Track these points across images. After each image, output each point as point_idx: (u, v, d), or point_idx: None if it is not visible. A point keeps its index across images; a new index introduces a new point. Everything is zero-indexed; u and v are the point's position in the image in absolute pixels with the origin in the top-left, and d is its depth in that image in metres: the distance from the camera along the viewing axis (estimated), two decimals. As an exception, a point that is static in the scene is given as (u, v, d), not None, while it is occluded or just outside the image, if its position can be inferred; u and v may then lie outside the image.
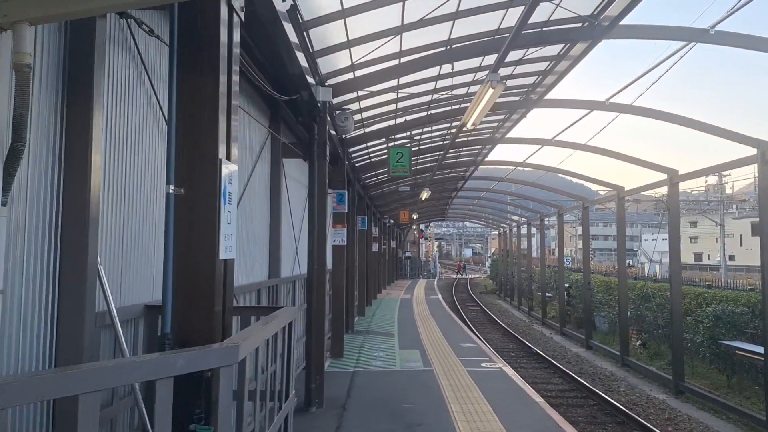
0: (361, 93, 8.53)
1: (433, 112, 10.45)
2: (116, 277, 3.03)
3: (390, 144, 10.49)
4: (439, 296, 26.11)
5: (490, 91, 4.99)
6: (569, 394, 10.99)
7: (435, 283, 38.55)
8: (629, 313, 14.65)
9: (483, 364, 9.52)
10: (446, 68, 7.97)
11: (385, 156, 12.66)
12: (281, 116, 7.26)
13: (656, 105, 11.80)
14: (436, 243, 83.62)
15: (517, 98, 10.15)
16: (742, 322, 11.20)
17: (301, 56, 6.15)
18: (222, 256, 2.49)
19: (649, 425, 8.61)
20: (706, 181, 49.68)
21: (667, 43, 8.07)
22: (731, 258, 44.29)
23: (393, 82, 8.23)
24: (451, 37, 6.98)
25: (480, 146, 14.78)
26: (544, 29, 6.86)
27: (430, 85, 8.90)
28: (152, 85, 3.45)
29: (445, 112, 10.50)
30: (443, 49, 7.14)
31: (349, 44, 6.50)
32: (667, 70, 8.24)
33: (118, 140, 3.18)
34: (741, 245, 46.70)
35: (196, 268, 2.43)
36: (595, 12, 6.54)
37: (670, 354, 13.18)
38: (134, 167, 3.35)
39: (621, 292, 14.57)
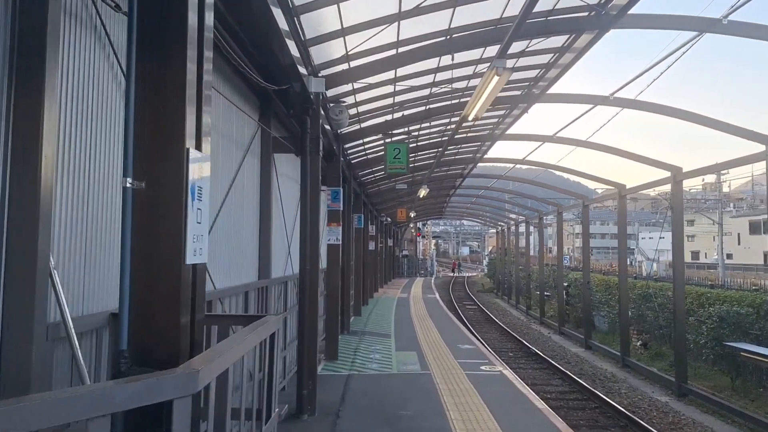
0: (356, 86, 8.20)
1: (431, 106, 10.12)
2: (75, 280, 2.68)
3: (387, 140, 10.16)
4: (437, 295, 25.82)
5: (495, 79, 4.65)
6: (569, 396, 10.71)
7: (432, 281, 38.28)
8: (630, 313, 14.40)
9: (482, 367, 9.21)
10: (446, 60, 7.64)
11: (382, 152, 12.35)
12: (272, 109, 6.92)
13: (660, 101, 11.62)
14: (434, 241, 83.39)
15: (518, 92, 9.82)
16: (747, 323, 10.93)
17: (292, 45, 5.81)
18: (190, 260, 2.16)
19: (653, 429, 8.33)
20: (703, 180, 49.58)
21: (672, 38, 7.76)
22: (729, 256, 44.11)
23: (390, 74, 7.89)
24: (451, 26, 6.65)
25: (479, 143, 14.46)
26: (549, 18, 6.54)
27: (429, 78, 8.57)
28: (121, 68, 3.11)
29: (444, 107, 10.18)
30: (443, 39, 6.81)
31: (343, 32, 6.16)
32: (673, 63, 7.93)
33: (81, 128, 2.84)
34: (739, 244, 46.54)
35: (158, 274, 2.10)
36: (603, 0, 6.22)
37: (672, 355, 12.93)
38: (100, 157, 3.00)
39: (622, 292, 14.30)
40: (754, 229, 44.80)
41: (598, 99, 9.75)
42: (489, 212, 34.21)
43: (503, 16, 6.56)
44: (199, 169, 2.26)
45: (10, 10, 2.31)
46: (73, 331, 2.42)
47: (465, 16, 6.47)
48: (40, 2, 2.30)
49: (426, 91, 9.26)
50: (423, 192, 15.35)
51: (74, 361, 2.43)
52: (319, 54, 6.60)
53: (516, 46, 7.48)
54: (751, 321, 10.87)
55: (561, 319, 19.19)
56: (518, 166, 18.50)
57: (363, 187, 16.90)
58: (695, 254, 55.63)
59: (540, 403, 6.92)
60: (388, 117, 10.34)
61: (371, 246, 21.37)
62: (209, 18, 2.50)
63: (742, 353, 10.17)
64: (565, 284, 20.00)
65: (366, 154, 13.66)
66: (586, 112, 10.25)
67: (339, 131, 9.89)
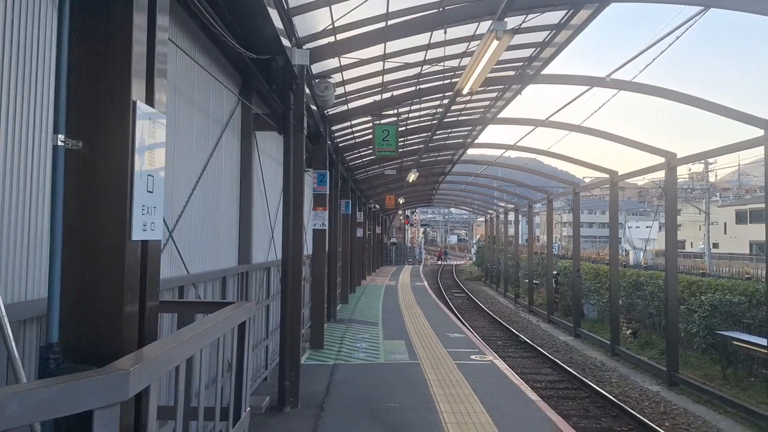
0: (344, 62, 7.80)
1: (422, 86, 9.74)
2: (11, 260, 2.30)
3: (376, 121, 9.78)
4: (425, 283, 25.59)
5: (494, 44, 4.28)
6: (560, 386, 10.52)
7: (420, 269, 38.09)
8: (620, 302, 14.25)
9: (472, 357, 8.95)
10: (438, 36, 7.27)
11: (371, 136, 11.97)
12: (254, 85, 6.51)
13: (656, 84, 11.39)
14: (422, 229, 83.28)
15: (512, 72, 9.47)
16: (740, 311, 10.79)
17: (275, 14, 5.41)
18: (137, 235, 1.81)
19: (645, 420, 8.12)
20: (690, 169, 49.72)
21: (673, 16, 7.43)
22: (715, 245, 44.41)
23: (379, 50, 7.50)
24: (444, -3, 6.28)
25: (470, 127, 14.12)
26: (547, -10, 6.18)
27: (420, 56, 8.19)
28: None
29: (436, 88, 9.80)
30: (435, 11, 6.43)
31: (329, 0, 5.76)
32: (673, 42, 7.62)
33: (12, 77, 2.39)
34: (725, 233, 46.86)
35: (97, 252, 1.74)
36: (604, -29, 5.88)
37: (661, 344, 12.80)
38: (24, 107, 2.49)
39: (613, 280, 14.13)
40: (740, 218, 45.10)
41: (594, 80, 9.43)
42: (478, 200, 34.01)
43: (499, -13, 6.19)
44: (150, 127, 1.89)
45: None
46: (6, 319, 2.05)
47: (459, -14, 6.10)
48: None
49: (416, 70, 8.88)
50: (412, 176, 15.00)
51: (8, 357, 2.07)
52: (303, 26, 6.20)
53: (511, 22, 7.11)
54: (744, 310, 10.73)
55: (550, 308, 19.06)
56: (508, 154, 18.23)
57: (351, 172, 16.52)
58: (681, 243, 56.03)
59: (533, 395, 6.66)
60: (377, 97, 9.95)
61: (359, 233, 21.04)
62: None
63: (734, 342, 10.03)
64: (555, 272, 19.85)
65: (354, 138, 13.27)
66: (582, 94, 9.94)
67: (326, 112, 9.50)
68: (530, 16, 7.05)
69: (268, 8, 4.93)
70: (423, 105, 11.70)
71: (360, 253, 22.32)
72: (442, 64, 8.68)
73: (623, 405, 8.85)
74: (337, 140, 12.60)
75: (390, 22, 6.57)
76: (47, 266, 1.77)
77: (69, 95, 1.77)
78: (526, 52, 8.71)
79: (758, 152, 8.77)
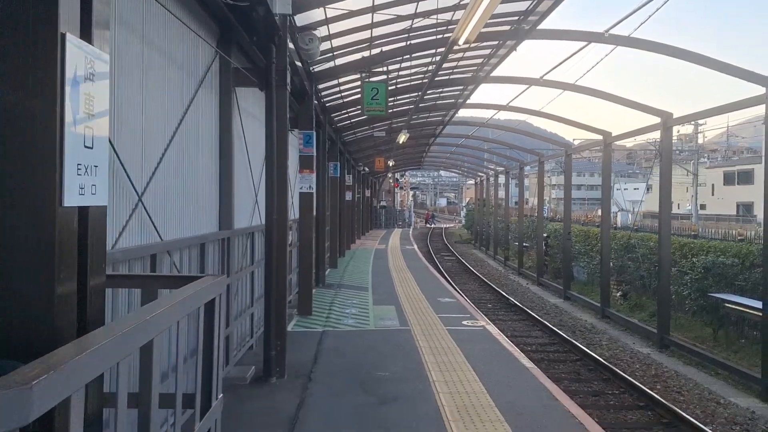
0: (330, 14, 7.30)
1: (413, 42, 9.26)
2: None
3: (364, 76, 9.30)
4: (415, 246, 25.46)
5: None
6: (550, 348, 10.47)
7: (410, 232, 37.99)
8: (611, 264, 14.18)
9: (464, 322, 8.78)
10: (430, -15, 6.79)
11: (359, 95, 11.48)
12: (234, 37, 6.03)
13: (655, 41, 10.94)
14: (411, 192, 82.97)
15: (507, 27, 9.00)
16: (732, 273, 10.72)
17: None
18: (71, 200, 1.48)
19: (637, 383, 8.06)
20: (678, 131, 49.52)
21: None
22: (702, 207, 44.68)
23: (367, 0, 7.01)
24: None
25: (462, 87, 13.66)
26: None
27: (411, 7, 7.70)
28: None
29: (427, 43, 9.32)
30: (427, -44, 5.95)
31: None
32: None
33: None
34: (713, 194, 47.09)
35: (19, 220, 1.42)
36: None
37: (651, 306, 12.79)
38: None
39: (604, 242, 14.02)
40: (728, 179, 45.25)
41: (592, 36, 9.02)
42: (468, 162, 33.68)
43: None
44: (86, 67, 1.54)
45: None
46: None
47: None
48: None
49: (407, 23, 8.39)
50: (403, 137, 14.57)
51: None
52: (285, -29, 5.69)
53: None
54: (737, 272, 10.65)
55: (539, 270, 19.04)
56: (498, 117, 17.83)
57: (339, 133, 16.05)
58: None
59: (527, 362, 6.50)
60: (365, 54, 9.45)
61: (348, 196, 20.70)
62: None
63: (726, 304, 9.97)
64: (545, 235, 19.76)
65: (342, 98, 12.77)
66: (579, 50, 9.53)
67: (312, 68, 9.02)
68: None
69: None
70: (414, 62, 11.21)
71: (349, 216, 22.02)
72: (434, 17, 8.20)
73: (614, 368, 8.79)
74: (325, 100, 12.11)
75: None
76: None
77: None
78: (522, 5, 8.24)
79: (748, 114, 8.53)
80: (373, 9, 7.43)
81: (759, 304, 8.40)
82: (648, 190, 37.35)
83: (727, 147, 59.84)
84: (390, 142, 20.14)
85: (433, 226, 53.23)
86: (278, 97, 5.65)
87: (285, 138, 5.83)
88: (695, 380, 8.63)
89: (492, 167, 30.06)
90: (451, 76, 12.45)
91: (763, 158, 9.03)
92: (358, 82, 11.14)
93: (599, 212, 18.18)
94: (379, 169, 26.70)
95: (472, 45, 10.12)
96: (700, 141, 47.24)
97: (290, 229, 9.54)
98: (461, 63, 11.66)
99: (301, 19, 7.04)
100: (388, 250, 22.74)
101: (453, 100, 15.28)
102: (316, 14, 7.21)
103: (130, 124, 3.69)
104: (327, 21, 7.48)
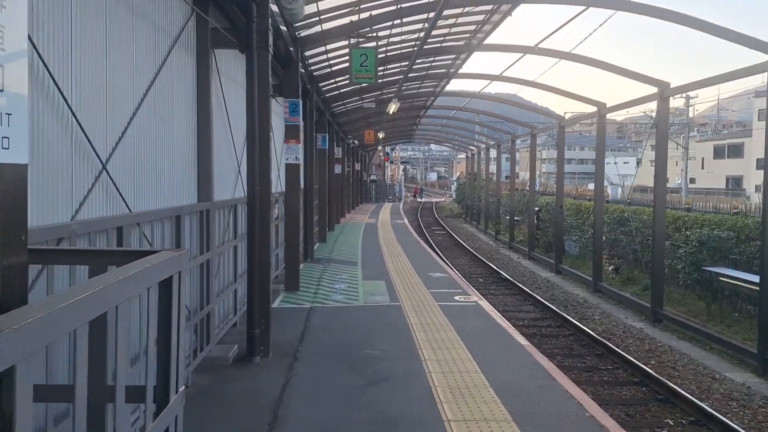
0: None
1: (403, 5, 8.81)
2: None
3: (353, 41, 8.86)
4: (405, 220, 25.22)
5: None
6: (542, 323, 10.33)
7: (400, 206, 37.74)
8: (603, 237, 14.02)
9: (456, 298, 8.56)
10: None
11: (348, 63, 11.03)
12: (211, -5, 5.60)
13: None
14: (402, 167, 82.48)
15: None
16: (727, 247, 10.57)
17: None
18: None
19: (631, 359, 7.92)
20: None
21: None
22: (692, 180, 44.79)
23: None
24: None
25: (453, 55, 13.22)
26: None
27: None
28: None
29: (418, 7, 8.87)
30: None
31: None
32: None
33: None
34: (702, 168, 47.16)
35: None
36: None
37: (644, 279, 12.68)
38: None
39: (597, 215, 13.83)
40: (718, 153, 45.28)
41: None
42: (459, 136, 33.28)
43: None
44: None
45: None
46: None
47: None
48: None
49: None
50: (393, 107, 14.13)
51: None
52: None
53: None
54: (731, 245, 10.50)
55: (531, 244, 18.90)
56: (489, 89, 17.46)
57: (327, 104, 15.57)
58: (658, 179, 56.39)
59: (521, 338, 6.30)
60: (354, 18, 9.00)
61: (337, 169, 20.31)
62: None
63: (721, 278, 9.84)
64: (537, 209, 19.57)
65: (330, 66, 12.30)
66: (577, 15, 9.11)
67: (297, 33, 8.57)
68: None
69: None
70: (404, 29, 10.75)
71: (338, 190, 21.66)
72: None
73: (608, 343, 8.65)
74: (312, 68, 11.64)
75: None
76: None
77: None
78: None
79: (740, 85, 8.28)
80: (362, -33, 6.99)
81: (756, 278, 8.25)
82: (638, 164, 37.24)
83: (717, 120, 59.82)
84: (380, 113, 19.69)
85: (422, 200, 53.00)
86: (260, 60, 5.26)
87: (267, 104, 5.46)
88: (689, 355, 8.52)
89: (483, 140, 29.70)
90: (443, 44, 12.01)
91: (765, 127, 8.78)
92: (347, 50, 10.69)
93: (590, 186, 17.98)
94: (369, 141, 26.24)
95: (466, 10, 9.69)
96: (690, 114, 47.12)
97: (276, 202, 9.20)
98: (453, 30, 11.22)
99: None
100: (378, 225, 22.48)
101: (445, 70, 14.84)
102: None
103: (91, 84, 3.32)
104: (312, -20, 7.04)
